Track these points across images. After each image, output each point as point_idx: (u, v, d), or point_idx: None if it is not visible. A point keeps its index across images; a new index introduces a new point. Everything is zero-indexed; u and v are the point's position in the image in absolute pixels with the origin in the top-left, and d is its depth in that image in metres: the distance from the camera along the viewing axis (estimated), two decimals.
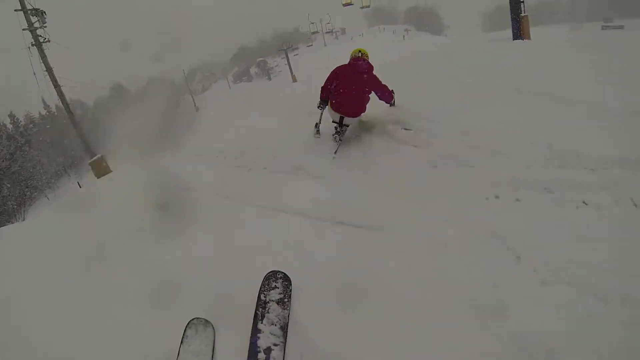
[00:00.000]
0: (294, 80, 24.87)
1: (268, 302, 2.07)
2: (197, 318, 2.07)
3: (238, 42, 43.36)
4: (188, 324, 2.05)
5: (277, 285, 2.15)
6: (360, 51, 4.00)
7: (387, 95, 4.01)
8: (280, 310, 2.04)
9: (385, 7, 35.64)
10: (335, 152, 3.87)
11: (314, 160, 3.73)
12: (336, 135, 4.03)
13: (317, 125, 4.29)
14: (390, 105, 4.21)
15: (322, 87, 4.03)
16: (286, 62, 29.51)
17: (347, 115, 3.94)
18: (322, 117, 4.27)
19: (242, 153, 4.37)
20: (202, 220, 2.99)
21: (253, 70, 37.70)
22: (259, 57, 37.25)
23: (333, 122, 4.05)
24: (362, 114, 4.03)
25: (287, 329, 1.97)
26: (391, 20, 35.27)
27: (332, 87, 3.94)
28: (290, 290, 2.13)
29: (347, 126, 4.04)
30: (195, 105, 32.67)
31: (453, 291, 1.87)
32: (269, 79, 33.91)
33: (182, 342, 2.00)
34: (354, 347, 1.77)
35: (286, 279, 2.17)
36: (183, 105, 34.67)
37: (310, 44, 31.16)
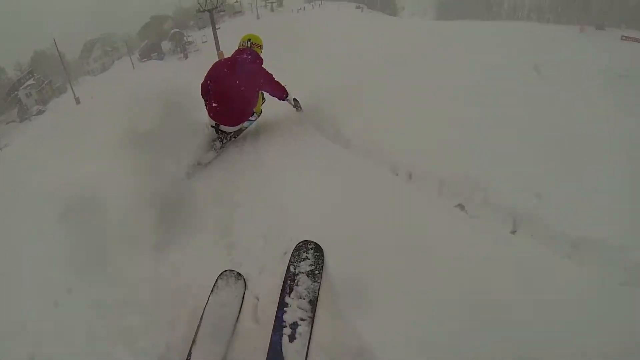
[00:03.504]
0: (222, 58, 17.71)
1: (297, 274, 2.00)
2: (230, 270, 2.10)
3: (151, 9, 35.09)
4: (220, 274, 2.08)
5: (308, 256, 2.08)
6: (249, 39, 3.45)
7: (278, 92, 3.51)
8: (311, 282, 1.97)
9: None
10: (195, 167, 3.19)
11: None
12: (215, 141, 3.38)
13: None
14: (296, 109, 3.69)
15: (201, 84, 3.48)
16: (207, 37, 22.65)
17: (223, 123, 3.35)
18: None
19: None
20: None
21: (166, 44, 30.24)
22: (175, 29, 29.91)
23: (211, 127, 3.43)
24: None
25: (316, 303, 1.89)
26: None
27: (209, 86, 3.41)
28: (322, 262, 2.04)
29: (228, 133, 3.44)
30: (75, 97, 24.70)
31: None
32: (185, 56, 26.97)
33: (212, 291, 2.02)
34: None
35: (318, 249, 2.09)
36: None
37: (240, 10, 24.56)
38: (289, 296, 1.90)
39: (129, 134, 3.12)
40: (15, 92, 29.34)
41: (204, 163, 3.24)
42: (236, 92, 3.24)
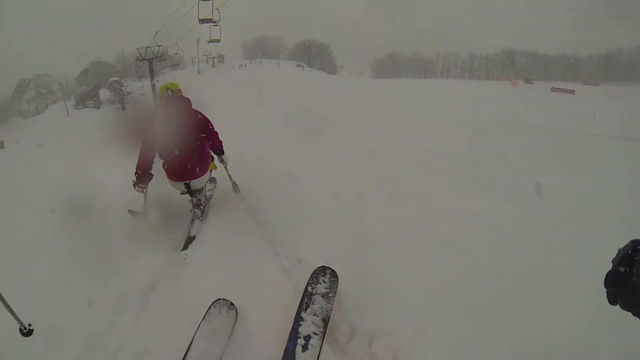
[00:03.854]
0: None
1: (314, 294, 2.21)
2: (224, 299, 2.22)
3: (92, 53, 34.07)
4: (214, 302, 2.20)
5: (324, 280, 2.30)
6: (168, 87, 3.32)
7: (217, 140, 3.41)
8: (325, 303, 2.18)
9: (270, 38, 32.54)
10: (188, 244, 3.05)
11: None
12: (195, 210, 3.26)
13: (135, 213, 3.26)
14: (234, 191, 3.69)
15: (139, 158, 3.02)
16: (145, 89, 22.11)
17: (192, 178, 3.17)
18: (147, 198, 3.26)
19: None
20: None
21: (104, 93, 29.24)
22: (114, 77, 29.11)
23: (182, 194, 3.29)
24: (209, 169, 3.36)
25: (328, 321, 2.11)
26: (274, 54, 32.08)
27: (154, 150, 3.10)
28: (337, 287, 2.27)
29: (200, 190, 3.30)
30: None
31: None
32: (123, 107, 26.16)
33: (204, 317, 2.14)
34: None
35: (334, 275, 2.32)
36: None
37: (178, 62, 24.26)
38: (305, 312, 2.13)
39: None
40: None
41: (194, 235, 3.16)
42: (189, 143, 3.08)
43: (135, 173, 3.05)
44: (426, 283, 2.46)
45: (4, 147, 23.00)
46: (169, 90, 3.30)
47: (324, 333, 2.06)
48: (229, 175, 3.72)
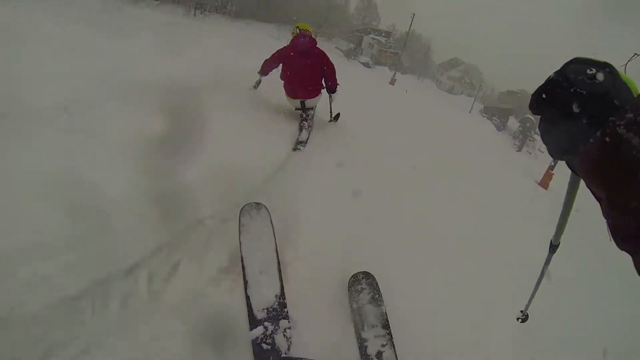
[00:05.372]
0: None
1: (361, 307, 2.02)
2: (248, 204, 2.11)
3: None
4: (241, 211, 2.08)
5: (363, 287, 2.10)
6: (298, 27, 3.96)
7: (333, 78, 3.99)
8: (376, 309, 2.01)
9: None
10: (298, 145, 3.61)
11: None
12: (303, 122, 3.86)
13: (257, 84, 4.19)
14: (332, 116, 4.33)
15: (263, 64, 4.00)
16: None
17: (305, 97, 3.90)
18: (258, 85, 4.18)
19: None
20: None
21: (512, 121, 34.22)
22: (527, 115, 31.47)
23: (296, 109, 4.00)
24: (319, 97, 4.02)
25: (389, 324, 1.95)
26: None
27: (279, 68, 3.95)
28: (378, 285, 2.09)
29: (312, 109, 3.98)
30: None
31: None
32: (519, 148, 29.67)
33: (240, 232, 2.02)
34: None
35: (368, 276, 2.13)
36: None
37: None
38: (364, 331, 1.90)
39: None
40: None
41: (302, 140, 3.69)
42: (311, 70, 3.81)
43: (261, 72, 3.95)
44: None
45: (394, 85, 23.11)
46: (298, 29, 3.85)
47: (391, 338, 1.86)
48: (331, 108, 4.28)
